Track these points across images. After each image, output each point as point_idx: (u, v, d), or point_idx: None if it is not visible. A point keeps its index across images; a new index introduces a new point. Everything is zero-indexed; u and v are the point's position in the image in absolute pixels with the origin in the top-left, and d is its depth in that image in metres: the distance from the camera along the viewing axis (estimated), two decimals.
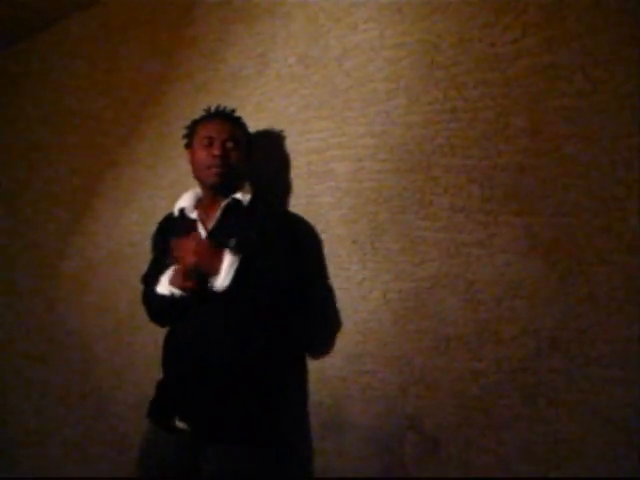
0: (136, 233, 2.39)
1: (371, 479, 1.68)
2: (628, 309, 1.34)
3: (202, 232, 1.71)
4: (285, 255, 1.64)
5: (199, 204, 1.80)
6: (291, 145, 1.92)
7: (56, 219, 2.78)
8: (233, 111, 1.82)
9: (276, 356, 1.66)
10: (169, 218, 1.88)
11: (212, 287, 1.57)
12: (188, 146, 1.81)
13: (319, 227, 1.84)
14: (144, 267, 1.89)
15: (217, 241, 1.63)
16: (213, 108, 1.82)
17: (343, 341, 1.76)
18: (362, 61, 1.78)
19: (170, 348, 1.72)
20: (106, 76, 2.61)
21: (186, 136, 1.82)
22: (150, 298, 1.75)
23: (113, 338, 2.45)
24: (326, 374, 1.79)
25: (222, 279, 1.55)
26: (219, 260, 1.56)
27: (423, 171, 1.64)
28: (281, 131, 1.95)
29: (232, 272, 1.55)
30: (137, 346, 2.35)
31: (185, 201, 1.81)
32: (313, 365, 1.82)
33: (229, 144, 1.72)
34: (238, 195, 1.74)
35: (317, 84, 1.88)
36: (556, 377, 1.42)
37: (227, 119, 1.78)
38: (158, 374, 1.75)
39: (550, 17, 1.47)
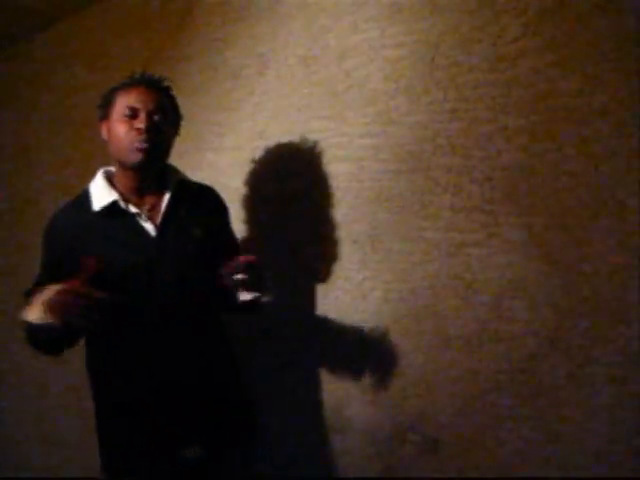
0: None
1: (371, 479, 1.68)
2: (628, 309, 1.34)
3: (150, 228, 1.44)
4: (234, 243, 1.62)
5: (122, 192, 1.48)
6: (291, 145, 1.92)
7: None
8: (162, 78, 1.53)
9: (230, 347, 1.59)
10: (76, 213, 1.48)
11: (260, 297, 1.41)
12: (103, 118, 1.50)
13: (319, 227, 1.83)
14: None
15: (172, 234, 1.43)
16: (138, 74, 1.51)
17: (344, 341, 1.76)
18: (362, 61, 1.78)
19: (142, 384, 1.41)
20: (106, 76, 2.61)
21: (101, 106, 1.51)
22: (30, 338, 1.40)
23: None
24: (326, 374, 1.79)
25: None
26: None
27: (423, 171, 1.64)
28: (281, 131, 1.95)
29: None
30: None
31: (107, 190, 1.45)
32: (313, 366, 1.82)
33: (156, 116, 1.44)
34: (184, 177, 1.53)
35: (317, 84, 1.88)
36: (556, 377, 1.41)
37: (154, 87, 1.48)
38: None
39: (550, 17, 1.47)
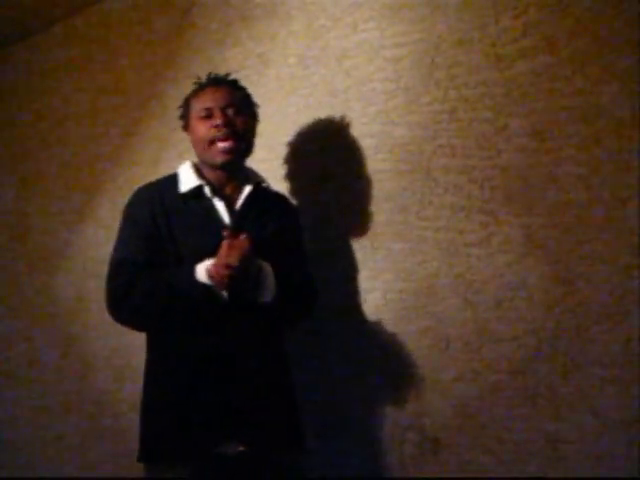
0: None
1: (371, 479, 1.68)
2: (628, 309, 1.34)
3: (227, 218, 1.48)
4: (302, 256, 1.60)
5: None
6: (291, 145, 1.92)
7: (56, 219, 2.78)
8: (227, 75, 1.60)
9: (286, 353, 1.57)
10: (166, 190, 1.53)
11: (257, 299, 1.41)
12: (185, 127, 1.59)
13: (319, 227, 1.83)
14: None
15: (245, 229, 1.42)
16: (205, 78, 1.59)
17: (344, 341, 1.76)
18: (362, 61, 1.78)
19: (197, 366, 1.42)
20: (106, 76, 2.61)
21: (182, 117, 1.60)
22: (169, 287, 1.39)
23: (113, 338, 2.45)
24: (326, 374, 1.79)
25: (270, 291, 1.41)
26: (259, 269, 1.40)
27: (423, 171, 1.64)
28: (281, 131, 1.94)
29: (273, 282, 1.41)
30: (137, 346, 2.34)
31: (194, 177, 1.52)
32: (313, 366, 1.82)
33: (230, 110, 1.50)
34: (265, 183, 1.58)
35: (317, 84, 1.88)
36: (556, 377, 1.41)
37: (222, 84, 1.56)
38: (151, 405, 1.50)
39: (550, 17, 1.47)
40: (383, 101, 1.73)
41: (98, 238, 2.58)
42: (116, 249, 1.51)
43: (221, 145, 1.47)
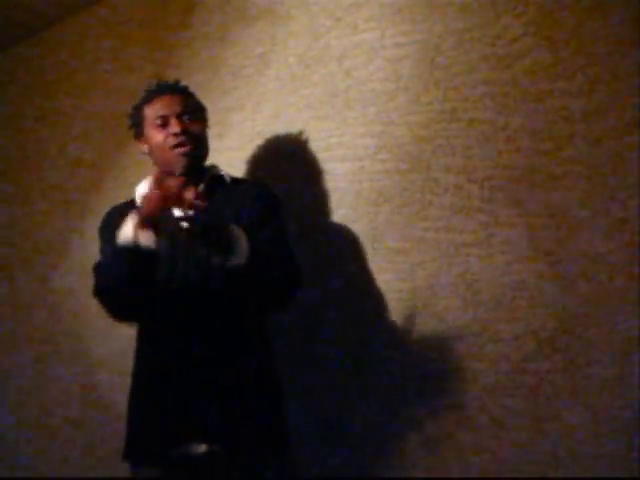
0: None
1: (371, 479, 1.68)
2: (628, 309, 1.34)
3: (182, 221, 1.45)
4: (277, 238, 1.48)
5: None
6: (291, 145, 1.92)
7: (56, 219, 2.77)
8: (178, 81, 1.61)
9: (270, 352, 1.53)
10: (125, 208, 1.54)
11: (229, 260, 1.32)
12: (138, 136, 1.58)
13: (318, 227, 1.83)
14: None
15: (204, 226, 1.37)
16: (154, 85, 1.59)
17: (343, 341, 1.76)
18: (362, 61, 1.78)
19: (158, 365, 1.44)
20: (106, 76, 2.61)
21: (133, 125, 1.58)
22: (105, 268, 1.48)
23: (113, 338, 2.45)
24: (326, 374, 1.79)
25: (240, 254, 1.31)
26: (225, 229, 1.32)
27: (423, 171, 1.64)
28: (281, 131, 1.94)
29: (245, 246, 1.32)
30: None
31: (146, 187, 1.53)
32: (313, 366, 1.82)
33: (186, 117, 1.51)
34: (221, 172, 1.55)
35: (317, 84, 1.88)
36: (556, 377, 1.41)
37: (175, 92, 1.56)
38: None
39: (550, 17, 1.47)
40: (383, 101, 1.73)
41: (98, 238, 2.58)
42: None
43: (181, 150, 1.48)
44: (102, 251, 1.62)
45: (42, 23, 2.85)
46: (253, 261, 1.33)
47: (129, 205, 1.57)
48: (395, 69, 1.71)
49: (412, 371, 1.63)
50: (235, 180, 1.60)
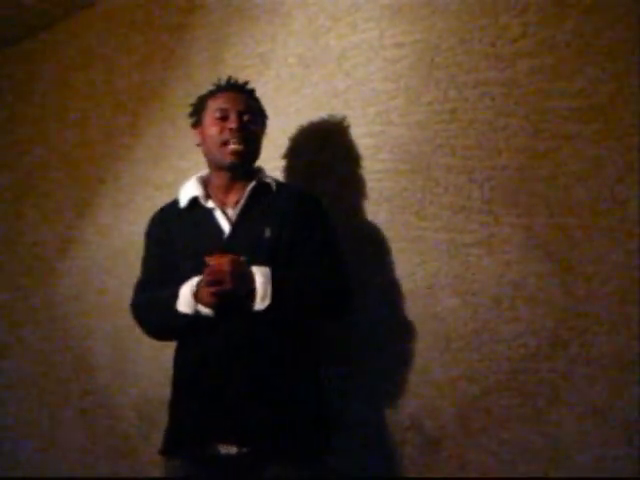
0: (136, 233, 2.38)
1: (371, 479, 1.68)
2: (628, 309, 1.34)
3: (224, 223, 1.50)
4: (326, 248, 1.50)
5: (210, 191, 1.57)
6: (291, 145, 1.92)
7: (56, 219, 2.78)
8: (246, 83, 1.63)
9: (315, 357, 1.53)
10: (169, 210, 1.61)
11: (251, 308, 1.38)
12: (196, 124, 1.60)
13: None
14: None
15: (244, 232, 1.45)
16: (224, 81, 1.62)
17: (343, 341, 1.76)
18: (362, 61, 1.78)
19: (196, 366, 1.45)
20: (106, 76, 2.61)
21: (193, 113, 1.61)
22: (158, 311, 1.49)
23: (113, 338, 2.45)
24: (326, 374, 1.79)
25: (260, 299, 1.36)
26: (251, 280, 1.37)
27: (423, 171, 1.64)
28: (281, 131, 1.95)
29: (269, 289, 1.37)
30: (137, 346, 2.35)
31: (194, 188, 1.55)
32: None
33: (246, 116, 1.53)
34: (267, 179, 1.55)
35: (317, 84, 1.88)
36: (556, 377, 1.42)
37: (241, 91, 1.59)
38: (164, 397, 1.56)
39: (550, 17, 1.47)
40: (383, 101, 1.73)
41: (98, 238, 2.58)
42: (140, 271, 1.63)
43: (233, 147, 1.50)
44: (145, 261, 1.63)
45: (42, 23, 2.85)
46: (283, 299, 1.39)
47: (173, 206, 1.60)
48: (395, 69, 1.71)
49: (412, 371, 1.63)
50: (279, 184, 1.60)
